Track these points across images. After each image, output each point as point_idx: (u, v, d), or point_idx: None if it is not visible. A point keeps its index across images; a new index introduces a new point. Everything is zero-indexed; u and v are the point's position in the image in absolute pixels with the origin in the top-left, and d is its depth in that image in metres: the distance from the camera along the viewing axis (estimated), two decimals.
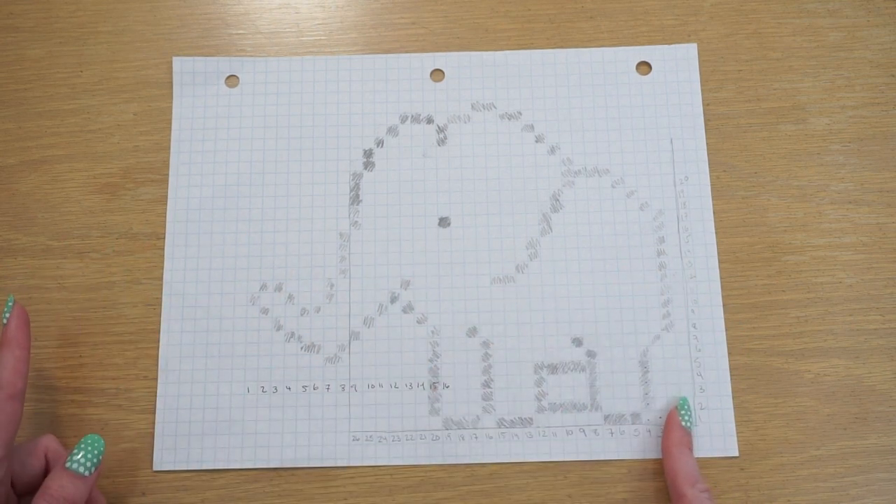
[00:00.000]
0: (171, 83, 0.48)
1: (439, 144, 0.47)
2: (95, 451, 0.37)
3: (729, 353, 0.44)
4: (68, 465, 0.36)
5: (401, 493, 0.43)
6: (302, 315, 0.45)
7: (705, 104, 0.47)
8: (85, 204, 0.46)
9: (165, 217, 0.46)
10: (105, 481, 0.42)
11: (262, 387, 0.44)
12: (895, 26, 0.48)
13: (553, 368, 0.44)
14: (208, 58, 0.48)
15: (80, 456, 0.37)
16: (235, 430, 0.43)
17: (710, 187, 0.46)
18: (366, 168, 0.46)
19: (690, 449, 0.41)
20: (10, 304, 0.39)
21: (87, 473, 0.36)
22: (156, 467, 0.43)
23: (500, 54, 0.48)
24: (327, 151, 0.47)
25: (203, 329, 0.44)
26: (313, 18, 0.49)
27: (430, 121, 0.47)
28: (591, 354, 0.44)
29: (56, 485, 0.36)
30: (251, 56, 0.48)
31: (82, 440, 0.37)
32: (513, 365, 0.44)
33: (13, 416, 0.36)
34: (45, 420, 0.43)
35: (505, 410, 0.43)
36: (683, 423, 0.42)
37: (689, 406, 0.42)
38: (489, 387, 0.44)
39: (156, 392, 0.44)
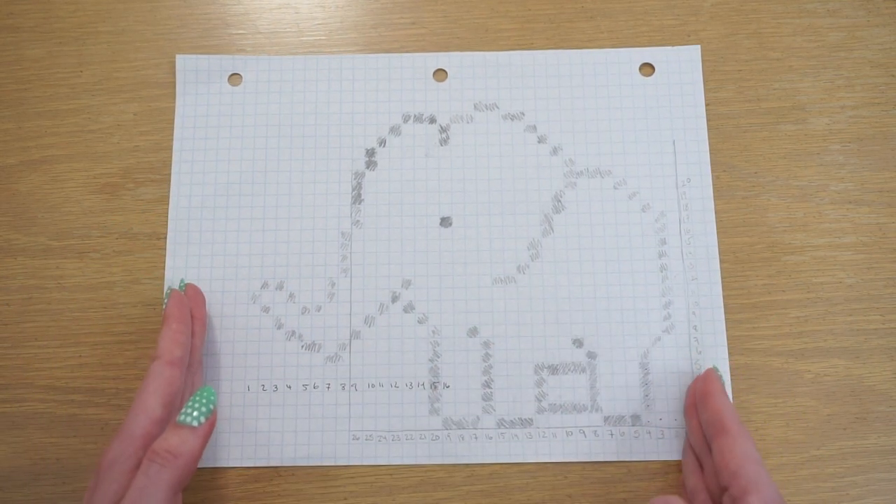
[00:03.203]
0: (171, 83, 0.47)
1: (442, 144, 0.47)
2: (204, 401, 0.36)
3: (729, 354, 0.44)
4: (179, 418, 0.36)
5: (401, 493, 0.43)
6: (303, 314, 0.45)
7: (705, 104, 0.47)
8: (85, 204, 0.46)
9: (166, 217, 0.46)
10: None
11: (263, 385, 0.44)
12: (895, 26, 0.48)
13: (553, 369, 0.44)
14: (211, 56, 0.48)
15: (188, 407, 0.36)
16: (235, 429, 0.43)
17: (712, 190, 0.46)
18: (368, 167, 0.46)
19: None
20: (167, 292, 0.41)
21: (195, 423, 0.36)
22: None
23: (503, 55, 0.48)
24: (329, 150, 0.47)
25: None
26: (313, 18, 0.49)
27: (432, 120, 0.47)
28: (591, 355, 0.44)
29: (161, 438, 0.35)
30: (253, 55, 0.48)
31: (196, 392, 0.37)
32: (513, 365, 0.44)
33: (171, 379, 0.37)
34: (45, 420, 0.43)
35: (505, 411, 0.43)
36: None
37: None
38: (489, 387, 0.44)
39: None
